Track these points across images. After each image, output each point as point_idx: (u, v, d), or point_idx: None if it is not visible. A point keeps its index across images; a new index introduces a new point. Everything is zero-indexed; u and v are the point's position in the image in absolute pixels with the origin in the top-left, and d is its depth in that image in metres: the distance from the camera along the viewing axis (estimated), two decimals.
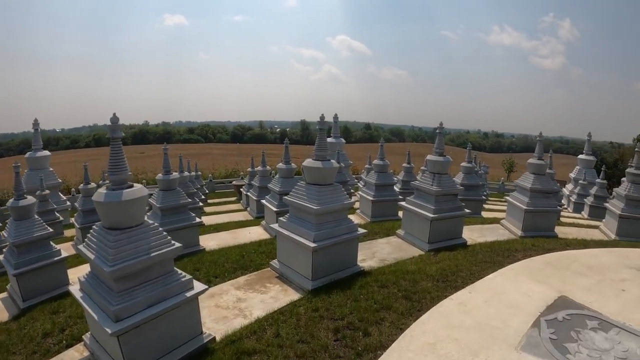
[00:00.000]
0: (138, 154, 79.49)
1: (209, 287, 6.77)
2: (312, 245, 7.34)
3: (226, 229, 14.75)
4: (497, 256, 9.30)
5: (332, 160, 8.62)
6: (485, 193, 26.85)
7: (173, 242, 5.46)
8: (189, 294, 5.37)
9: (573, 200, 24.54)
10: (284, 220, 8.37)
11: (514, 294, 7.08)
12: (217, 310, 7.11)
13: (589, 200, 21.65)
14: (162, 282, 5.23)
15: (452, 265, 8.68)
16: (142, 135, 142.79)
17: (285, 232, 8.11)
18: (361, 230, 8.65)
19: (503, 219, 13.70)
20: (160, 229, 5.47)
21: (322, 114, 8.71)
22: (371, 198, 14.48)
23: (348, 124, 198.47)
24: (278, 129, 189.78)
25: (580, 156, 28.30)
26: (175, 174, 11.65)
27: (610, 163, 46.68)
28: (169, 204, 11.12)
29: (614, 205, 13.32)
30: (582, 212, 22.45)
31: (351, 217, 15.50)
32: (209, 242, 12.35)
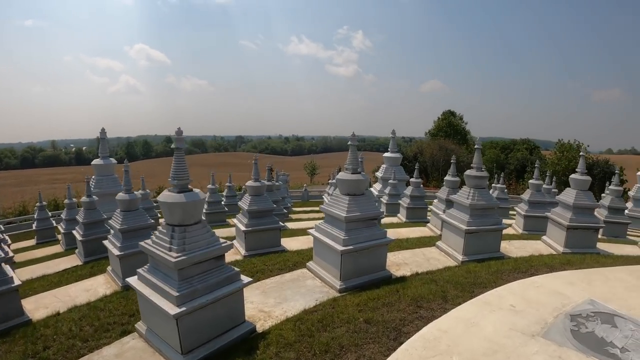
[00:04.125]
0: None
1: None
2: None
3: None
4: None
5: None
6: (287, 206, 23.98)
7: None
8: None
9: (385, 201, 23.34)
10: None
11: None
12: None
13: (405, 202, 20.26)
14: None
15: None
16: None
17: None
18: None
19: (311, 259, 9.55)
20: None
21: None
22: (118, 252, 10.04)
23: (148, 138, 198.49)
24: (74, 148, 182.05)
25: (386, 154, 28.04)
26: None
27: (410, 157, 50.88)
28: None
29: (456, 218, 10.55)
30: (399, 215, 21.16)
31: (102, 279, 10.86)
32: None
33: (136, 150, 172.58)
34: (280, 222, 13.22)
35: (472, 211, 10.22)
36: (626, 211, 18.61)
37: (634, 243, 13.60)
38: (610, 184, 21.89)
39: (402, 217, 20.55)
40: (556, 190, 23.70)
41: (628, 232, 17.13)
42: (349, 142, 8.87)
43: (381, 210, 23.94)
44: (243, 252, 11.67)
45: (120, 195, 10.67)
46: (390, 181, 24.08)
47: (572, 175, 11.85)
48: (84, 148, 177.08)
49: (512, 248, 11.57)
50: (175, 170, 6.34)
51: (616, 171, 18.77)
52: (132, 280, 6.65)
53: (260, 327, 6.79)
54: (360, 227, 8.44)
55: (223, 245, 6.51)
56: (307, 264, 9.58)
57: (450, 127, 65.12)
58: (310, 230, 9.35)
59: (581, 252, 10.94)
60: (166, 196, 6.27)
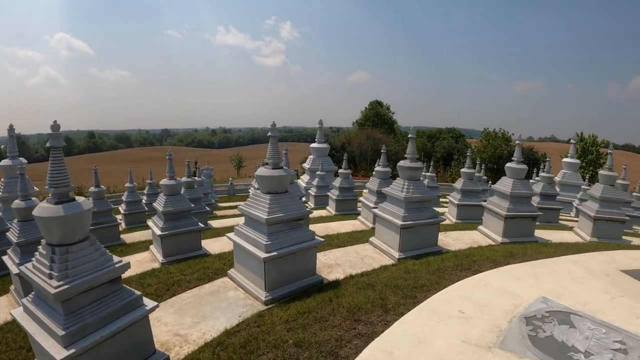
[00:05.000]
0: None
1: None
2: None
3: None
4: None
5: None
6: (211, 202, 22.67)
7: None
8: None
9: (313, 193, 22.72)
10: None
11: None
12: None
13: (334, 194, 19.61)
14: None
15: None
16: None
17: None
18: None
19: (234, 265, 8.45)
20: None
21: None
22: (16, 270, 8.52)
23: (70, 134, 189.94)
24: None
25: (313, 145, 27.40)
26: None
27: (338, 146, 50.73)
28: None
29: (390, 213, 9.81)
30: (328, 207, 20.53)
31: (5, 300, 9.30)
32: None
33: None
34: (201, 224, 12.02)
35: (408, 205, 9.46)
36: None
37: (569, 228, 13.75)
38: (538, 171, 22.55)
39: (331, 209, 19.90)
40: (486, 177, 24.17)
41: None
42: (269, 133, 7.81)
43: (309, 204, 23.24)
44: (160, 258, 10.42)
45: (16, 203, 9.05)
46: (318, 172, 23.39)
47: (509, 164, 11.56)
48: (1, 146, 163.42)
49: (449, 240, 11.07)
50: (51, 175, 4.88)
51: (547, 158, 19.20)
52: (17, 314, 5.12)
53: (175, 355, 5.65)
54: (285, 230, 7.40)
55: (118, 265, 5.16)
56: (229, 271, 8.41)
57: (377, 117, 65.99)
58: (229, 235, 8.19)
59: (520, 242, 10.67)
60: (41, 209, 4.81)
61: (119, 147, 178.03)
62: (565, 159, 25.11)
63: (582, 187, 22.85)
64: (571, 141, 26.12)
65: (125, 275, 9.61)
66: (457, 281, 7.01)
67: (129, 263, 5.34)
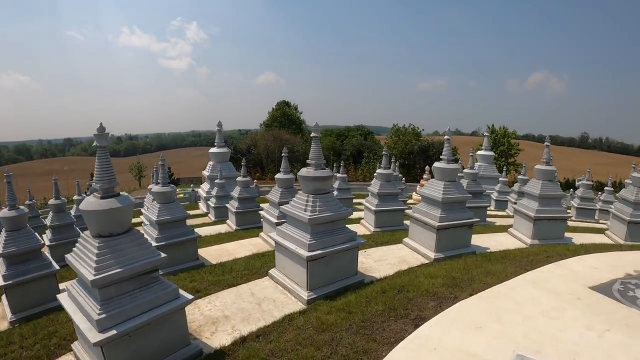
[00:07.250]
0: None
1: None
2: None
3: None
4: None
5: None
6: None
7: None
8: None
9: (213, 205, 20.21)
10: None
11: None
12: None
13: (233, 205, 17.06)
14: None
15: None
16: None
17: None
18: None
19: None
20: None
21: None
22: None
23: None
24: None
25: (211, 150, 25.11)
26: None
27: (244, 150, 48.12)
28: None
29: (293, 239, 7.22)
30: (228, 221, 18.04)
31: None
32: None
33: None
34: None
35: (314, 227, 7.06)
36: None
37: (503, 229, 12.29)
38: (462, 167, 21.59)
39: (231, 223, 17.31)
40: (401, 175, 22.89)
41: None
42: (95, 143, 5.03)
43: (210, 217, 20.42)
44: (9, 315, 7.94)
45: None
46: (216, 181, 20.89)
47: (437, 164, 9.59)
48: None
49: (370, 262, 8.88)
50: None
51: (470, 154, 17.83)
52: None
53: None
54: (130, 291, 4.70)
55: None
56: (73, 345, 5.54)
57: (284, 117, 64.60)
58: (59, 297, 5.32)
59: (456, 255, 8.80)
60: None
61: (19, 159, 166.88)
62: (480, 152, 25.01)
63: (500, 179, 22.69)
64: (484, 134, 25.93)
65: None
66: (395, 344, 4.74)
67: None
